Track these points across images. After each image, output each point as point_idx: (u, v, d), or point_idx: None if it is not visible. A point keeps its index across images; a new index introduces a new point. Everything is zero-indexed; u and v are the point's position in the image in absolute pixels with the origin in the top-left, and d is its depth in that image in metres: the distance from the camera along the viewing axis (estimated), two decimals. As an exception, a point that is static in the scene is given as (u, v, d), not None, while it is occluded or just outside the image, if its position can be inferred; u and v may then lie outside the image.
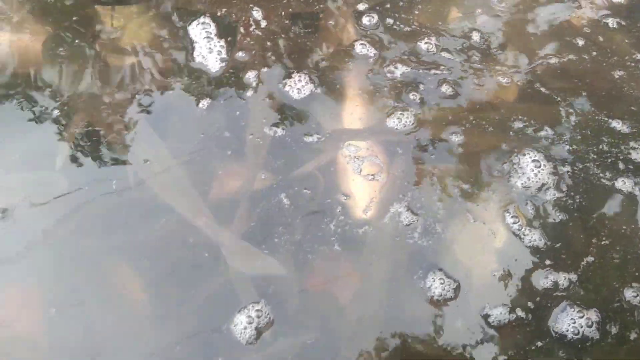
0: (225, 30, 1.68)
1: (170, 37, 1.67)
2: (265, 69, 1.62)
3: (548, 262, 1.34)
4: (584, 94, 1.61)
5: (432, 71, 1.64)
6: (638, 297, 1.31)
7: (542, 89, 1.62)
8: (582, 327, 1.27)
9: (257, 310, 1.28)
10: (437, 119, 1.55)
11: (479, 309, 1.30)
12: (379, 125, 1.55)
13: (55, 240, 1.35)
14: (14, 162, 1.46)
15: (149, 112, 1.53)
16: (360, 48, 1.68)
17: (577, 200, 1.43)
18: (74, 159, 1.46)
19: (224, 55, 1.64)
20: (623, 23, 1.79)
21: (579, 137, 1.54)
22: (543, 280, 1.33)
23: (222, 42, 1.65)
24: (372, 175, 1.46)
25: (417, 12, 1.78)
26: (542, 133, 1.53)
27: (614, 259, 1.35)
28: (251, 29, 1.70)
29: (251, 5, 1.74)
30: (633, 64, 1.69)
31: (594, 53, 1.71)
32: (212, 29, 1.68)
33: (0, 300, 1.28)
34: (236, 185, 1.46)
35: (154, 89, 1.57)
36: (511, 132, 1.53)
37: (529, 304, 1.31)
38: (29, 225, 1.34)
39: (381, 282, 1.33)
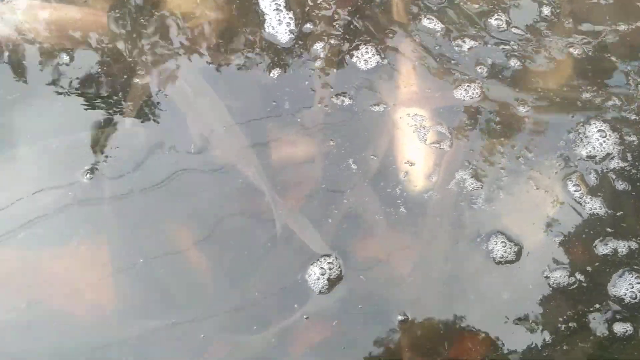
0: (294, 2, 1.87)
1: (241, 8, 1.88)
2: (332, 41, 1.80)
3: (608, 229, 1.49)
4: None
5: (501, 46, 1.79)
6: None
7: (613, 58, 1.75)
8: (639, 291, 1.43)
9: (329, 263, 1.49)
10: (504, 91, 1.71)
11: (539, 271, 1.47)
12: (445, 96, 1.72)
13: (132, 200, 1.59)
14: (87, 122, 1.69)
15: (216, 80, 1.75)
16: (427, 22, 1.85)
17: (641, 171, 1.57)
18: (139, 122, 1.69)
19: (292, 27, 1.84)
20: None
21: (647, 108, 1.67)
22: (603, 246, 1.48)
23: (291, 14, 1.85)
24: (437, 143, 1.64)
25: None
26: (609, 103, 1.66)
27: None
28: (319, 1, 1.89)
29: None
30: None
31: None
32: (282, 1, 1.88)
33: (69, 256, 1.51)
34: (305, 150, 1.67)
35: (222, 58, 1.79)
36: (578, 103, 1.67)
37: (588, 268, 1.47)
38: (114, 181, 1.59)
39: (444, 243, 1.52)
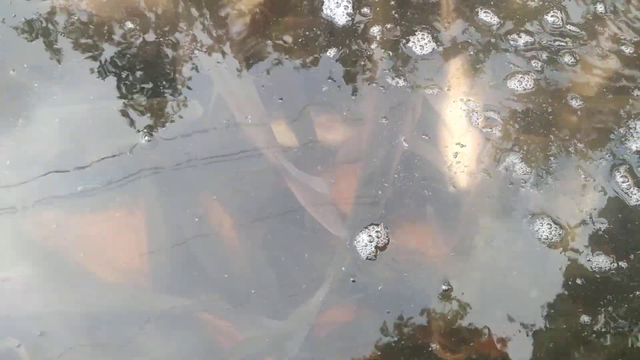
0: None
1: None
2: (389, 25, 1.99)
3: None
4: None
5: (557, 42, 1.98)
6: None
7: None
8: (680, 281, 1.59)
9: (377, 232, 1.68)
10: (557, 84, 1.88)
11: (582, 255, 1.64)
12: (499, 85, 1.89)
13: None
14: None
15: (266, 63, 1.89)
16: (484, 15, 2.04)
17: (689, 169, 1.74)
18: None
19: (350, 10, 2.03)
20: None
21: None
22: None
23: None
24: (489, 128, 1.82)
25: None
26: None
27: None
28: None
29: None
30: None
31: None
32: None
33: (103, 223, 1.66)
34: (361, 122, 1.86)
35: (281, 40, 1.97)
36: (630, 99, 1.86)
37: (631, 256, 1.64)
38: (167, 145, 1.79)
39: (491, 221, 1.70)
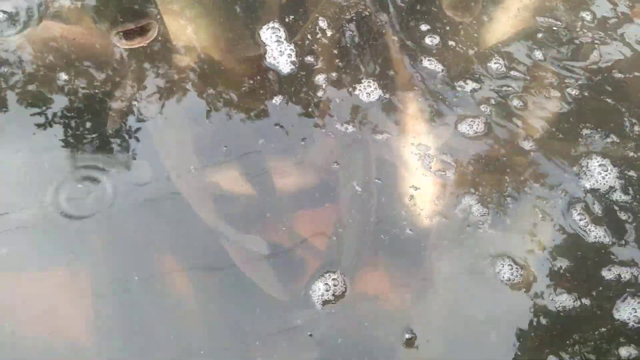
0: (294, 35, 2.17)
1: (242, 39, 2.15)
2: (334, 73, 2.10)
3: (612, 257, 1.76)
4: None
5: (504, 87, 2.13)
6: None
7: (608, 100, 2.11)
8: (643, 316, 1.68)
9: (334, 279, 1.70)
10: (508, 127, 2.00)
11: (545, 294, 1.71)
12: (450, 130, 2.00)
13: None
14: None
15: (209, 112, 1.94)
16: (428, 63, 2.18)
17: (643, 203, 1.87)
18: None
19: (293, 58, 2.13)
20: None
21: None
22: (606, 272, 1.75)
23: (292, 46, 2.15)
24: (442, 171, 1.91)
25: (475, 35, 2.30)
26: (609, 140, 2.00)
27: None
28: (318, 37, 2.20)
29: (316, 15, 2.25)
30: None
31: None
32: (282, 33, 2.18)
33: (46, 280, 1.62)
34: (308, 175, 1.92)
35: (223, 89, 2.04)
36: (580, 139, 1.99)
37: (593, 293, 1.71)
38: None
39: (451, 264, 1.76)
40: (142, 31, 1.92)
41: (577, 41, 2.16)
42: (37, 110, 1.78)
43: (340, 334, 1.60)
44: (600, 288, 1.64)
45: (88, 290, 1.57)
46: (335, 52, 2.06)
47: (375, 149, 1.87)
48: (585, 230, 1.71)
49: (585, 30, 2.19)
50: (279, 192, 1.79)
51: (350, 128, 1.90)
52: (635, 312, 1.59)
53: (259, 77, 1.94)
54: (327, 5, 2.10)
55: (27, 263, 1.58)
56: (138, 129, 1.79)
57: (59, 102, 1.82)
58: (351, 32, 2.11)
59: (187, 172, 1.75)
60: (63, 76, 1.84)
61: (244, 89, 1.93)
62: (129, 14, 1.94)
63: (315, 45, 2.03)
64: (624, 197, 1.78)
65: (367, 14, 2.14)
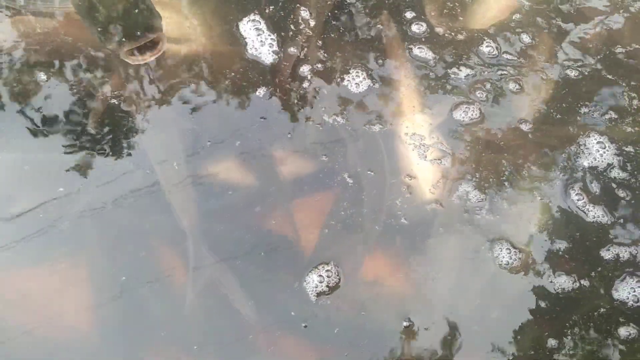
0: (276, 26, 2.18)
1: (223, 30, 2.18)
2: (319, 65, 2.20)
3: (610, 236, 1.88)
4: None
5: (498, 71, 2.23)
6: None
7: (609, 76, 2.21)
8: (643, 295, 1.78)
9: (327, 271, 1.84)
10: (504, 111, 2.12)
11: (544, 277, 1.83)
12: (444, 117, 2.11)
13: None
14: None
15: (195, 106, 2.03)
16: (418, 51, 2.29)
17: (641, 180, 1.97)
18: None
19: (275, 48, 2.22)
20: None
21: (640, 119, 2.04)
22: (605, 252, 1.86)
23: (274, 36, 2.24)
24: (438, 159, 2.03)
25: (462, 19, 2.40)
26: (607, 116, 2.10)
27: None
28: (301, 27, 2.31)
29: (298, 5, 2.25)
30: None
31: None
32: (263, 25, 2.25)
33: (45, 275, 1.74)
34: (300, 166, 2.04)
35: (207, 80, 2.13)
36: (577, 117, 2.10)
37: (592, 273, 1.82)
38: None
39: (448, 251, 1.88)
40: (152, 44, 1.99)
41: (571, 18, 2.25)
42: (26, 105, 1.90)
43: (337, 324, 1.71)
44: (599, 268, 1.74)
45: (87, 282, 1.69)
46: (320, 42, 2.14)
47: (367, 140, 1.95)
48: (583, 210, 1.82)
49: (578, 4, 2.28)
50: (268, 185, 1.88)
51: (340, 119, 1.99)
52: (634, 291, 1.70)
53: (240, 69, 2.04)
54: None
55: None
56: (125, 125, 1.90)
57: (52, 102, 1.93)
58: (337, 22, 2.19)
59: (175, 178, 1.85)
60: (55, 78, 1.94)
61: (227, 81, 2.03)
62: (138, 30, 2.00)
63: (300, 36, 2.10)
64: (623, 174, 1.88)
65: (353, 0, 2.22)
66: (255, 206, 1.82)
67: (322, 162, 1.91)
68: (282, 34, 2.10)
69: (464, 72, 2.08)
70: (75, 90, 1.95)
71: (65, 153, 1.86)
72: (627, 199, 1.81)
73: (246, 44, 2.08)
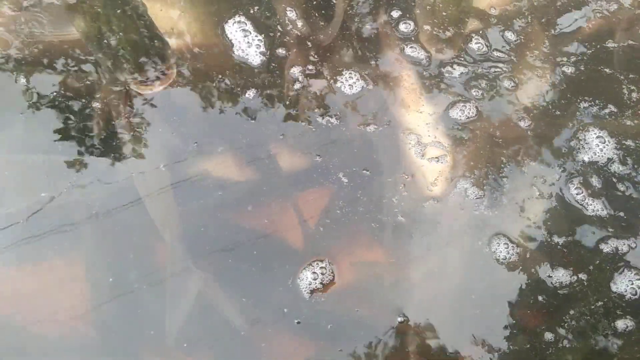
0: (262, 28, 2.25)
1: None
2: (310, 66, 2.29)
3: (610, 230, 1.98)
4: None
5: (492, 69, 2.36)
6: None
7: (606, 70, 2.34)
8: (640, 288, 1.88)
9: (322, 268, 1.97)
10: (502, 108, 2.24)
11: (541, 271, 1.94)
12: (441, 116, 2.20)
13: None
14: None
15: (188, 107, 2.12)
16: (410, 51, 2.43)
17: (642, 174, 2.07)
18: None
19: (263, 49, 2.22)
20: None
21: (640, 113, 2.10)
22: (603, 245, 1.95)
23: (261, 37, 2.33)
24: (435, 158, 2.16)
25: (444, 14, 2.48)
26: (606, 110, 2.23)
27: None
28: (288, 29, 2.44)
29: (284, 5, 2.32)
30: None
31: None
32: (249, 26, 2.26)
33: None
34: (297, 161, 2.17)
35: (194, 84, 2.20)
36: (577, 112, 2.23)
37: (590, 267, 1.93)
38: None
39: (446, 247, 2.00)
40: (161, 73, 2.09)
41: (567, 9, 2.38)
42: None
43: (331, 320, 1.81)
44: (597, 261, 1.84)
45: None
46: (309, 44, 2.25)
47: (362, 140, 2.06)
48: (582, 205, 1.93)
49: None
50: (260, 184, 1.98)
51: (333, 120, 2.09)
52: (632, 284, 1.80)
53: (228, 71, 2.16)
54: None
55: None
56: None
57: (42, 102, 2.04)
58: (322, 24, 2.28)
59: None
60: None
61: (215, 84, 2.14)
62: (149, 61, 2.12)
63: (287, 38, 2.20)
64: (622, 168, 1.99)
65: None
66: (247, 205, 1.92)
67: (315, 162, 2.00)
68: (271, 34, 2.19)
69: (458, 70, 2.20)
70: (68, 92, 2.05)
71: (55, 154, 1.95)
72: (628, 193, 1.91)
73: (233, 45, 2.17)
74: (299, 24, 2.27)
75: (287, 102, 2.11)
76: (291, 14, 2.26)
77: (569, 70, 2.12)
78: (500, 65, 2.16)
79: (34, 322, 1.74)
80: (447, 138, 2.07)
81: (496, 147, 1.97)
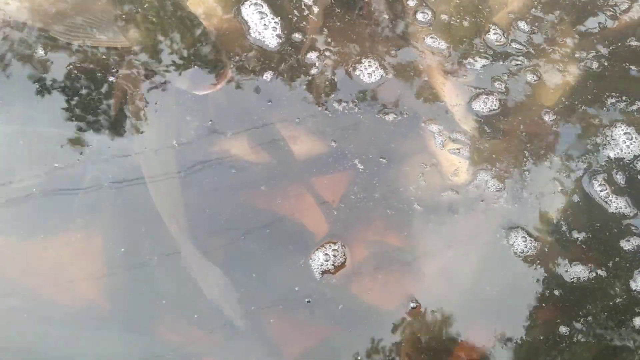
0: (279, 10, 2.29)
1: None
2: (327, 53, 2.27)
3: (632, 227, 2.06)
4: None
5: (514, 62, 2.45)
6: None
7: (632, 67, 2.43)
8: (662, 288, 1.94)
9: (334, 250, 2.06)
10: (525, 101, 2.29)
11: (559, 266, 2.02)
12: (463, 107, 2.24)
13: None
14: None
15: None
16: (431, 41, 2.51)
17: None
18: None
19: (279, 32, 2.27)
20: None
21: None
22: (625, 243, 2.03)
23: (277, 19, 2.29)
24: (456, 149, 2.26)
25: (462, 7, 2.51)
26: (634, 107, 2.32)
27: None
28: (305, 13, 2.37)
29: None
30: None
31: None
32: (265, 8, 2.30)
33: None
34: (308, 148, 2.27)
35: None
36: (604, 108, 2.31)
37: (609, 264, 2.01)
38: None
39: (463, 238, 2.09)
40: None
41: (595, 6, 2.46)
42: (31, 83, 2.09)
43: (342, 301, 1.89)
44: (617, 259, 1.92)
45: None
46: (326, 30, 2.32)
47: (381, 128, 2.14)
48: (606, 201, 2.01)
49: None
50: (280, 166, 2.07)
51: (351, 107, 2.17)
52: (654, 283, 1.88)
53: (245, 53, 2.23)
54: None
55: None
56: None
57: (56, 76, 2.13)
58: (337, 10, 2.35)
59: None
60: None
61: (231, 65, 2.19)
62: (208, 67, 2.22)
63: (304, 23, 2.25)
64: (648, 166, 2.08)
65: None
66: (260, 185, 2.00)
67: (331, 147, 2.08)
68: (289, 16, 2.25)
69: (480, 62, 2.27)
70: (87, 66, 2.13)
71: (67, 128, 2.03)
72: (653, 190, 1.98)
73: (249, 27, 2.23)
74: (315, 9, 2.32)
75: (304, 87, 2.18)
76: (308, -1, 2.22)
77: (594, 65, 2.20)
78: (522, 59, 2.23)
79: (50, 292, 1.82)
80: (468, 130, 2.13)
81: (519, 141, 2.05)
